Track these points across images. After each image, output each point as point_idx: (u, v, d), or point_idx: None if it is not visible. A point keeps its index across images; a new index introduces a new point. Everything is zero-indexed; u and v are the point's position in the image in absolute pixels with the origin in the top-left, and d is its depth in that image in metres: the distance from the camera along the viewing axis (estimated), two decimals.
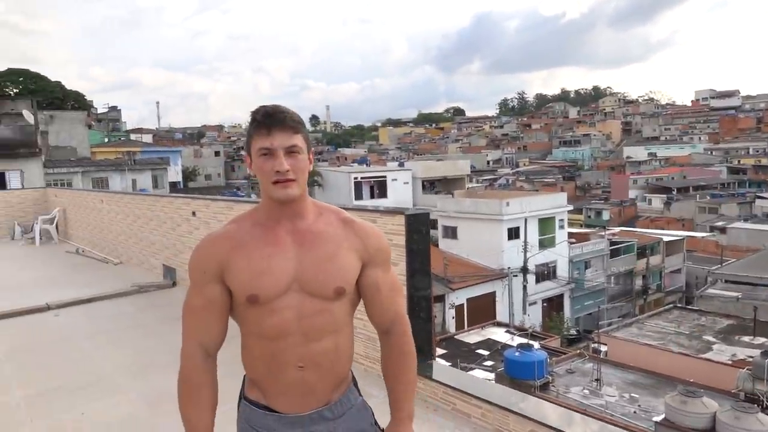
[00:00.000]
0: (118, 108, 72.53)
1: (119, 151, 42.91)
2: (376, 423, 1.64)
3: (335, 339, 1.52)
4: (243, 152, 1.67)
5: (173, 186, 39.49)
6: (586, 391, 14.53)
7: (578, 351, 17.84)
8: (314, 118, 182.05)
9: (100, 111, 65.94)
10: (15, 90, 45.46)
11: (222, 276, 1.49)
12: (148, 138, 60.89)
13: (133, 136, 58.45)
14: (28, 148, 22.13)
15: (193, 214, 6.68)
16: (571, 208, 32.65)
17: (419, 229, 3.83)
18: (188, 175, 49.53)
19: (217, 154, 62.24)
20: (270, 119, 1.43)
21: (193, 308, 1.52)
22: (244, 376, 1.60)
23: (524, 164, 77.66)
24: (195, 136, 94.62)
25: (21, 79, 49.68)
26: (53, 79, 52.31)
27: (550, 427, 2.97)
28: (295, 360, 1.47)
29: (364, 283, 1.57)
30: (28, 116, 23.57)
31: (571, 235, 31.56)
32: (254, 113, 1.46)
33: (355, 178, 36.63)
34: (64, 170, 29.67)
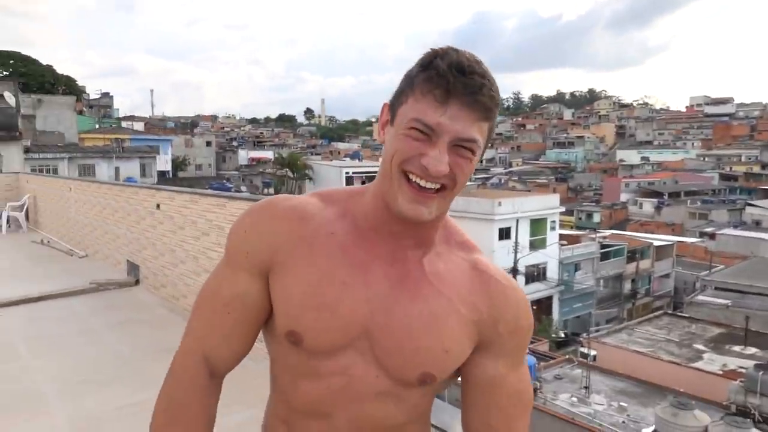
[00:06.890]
0: (111, 95, 71.90)
1: (108, 138, 42.20)
2: None
3: None
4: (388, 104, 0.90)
5: (161, 175, 38.84)
6: (575, 399, 14.26)
7: (567, 356, 17.67)
8: (309, 111, 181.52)
9: (92, 97, 65.22)
10: (5, 72, 44.57)
11: (268, 271, 0.95)
12: (139, 126, 60.10)
13: (124, 124, 57.71)
14: (8, 131, 21.45)
15: (158, 206, 6.17)
16: (563, 209, 32.51)
17: None
18: (178, 164, 48.81)
19: (208, 144, 61.51)
20: (458, 77, 0.81)
21: (216, 298, 0.97)
22: None
23: (517, 164, 77.47)
24: (188, 126, 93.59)
25: (11, 62, 48.83)
26: (45, 63, 51.63)
27: None
28: None
29: (474, 375, 0.98)
30: (10, 99, 22.90)
31: (562, 236, 31.40)
32: (435, 56, 0.84)
33: (347, 173, 36.40)
34: (49, 156, 28.89)
